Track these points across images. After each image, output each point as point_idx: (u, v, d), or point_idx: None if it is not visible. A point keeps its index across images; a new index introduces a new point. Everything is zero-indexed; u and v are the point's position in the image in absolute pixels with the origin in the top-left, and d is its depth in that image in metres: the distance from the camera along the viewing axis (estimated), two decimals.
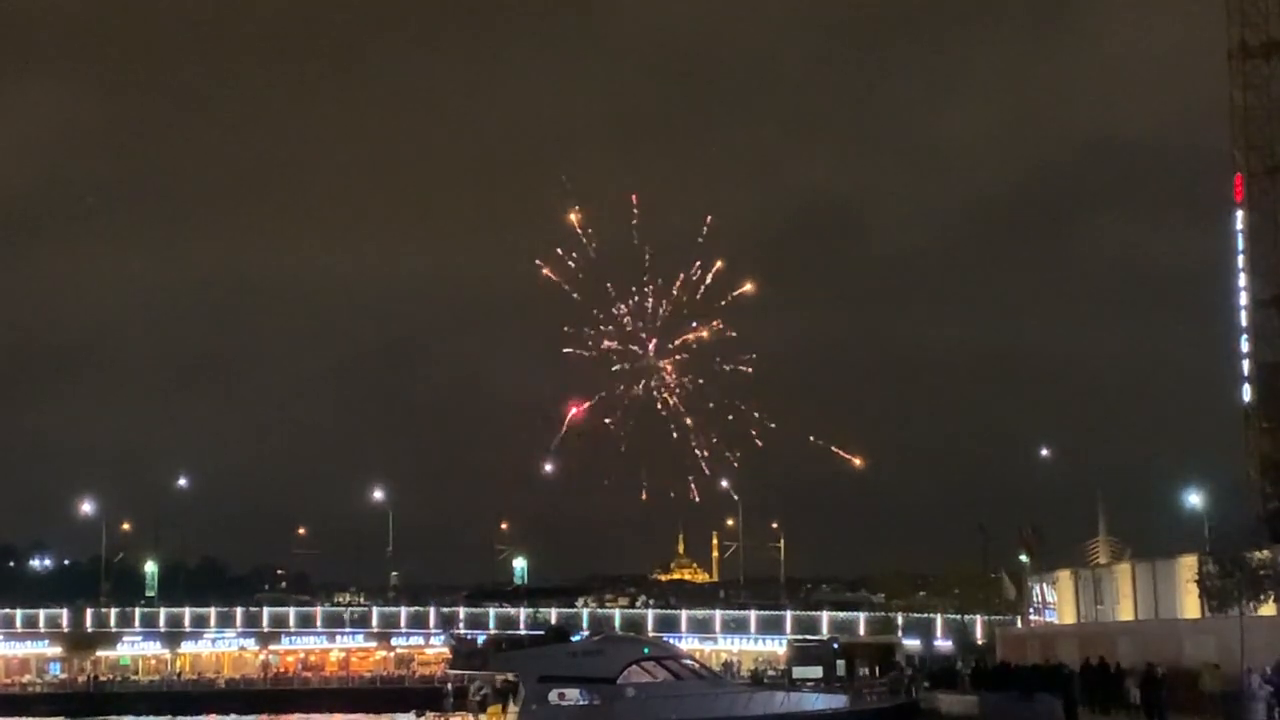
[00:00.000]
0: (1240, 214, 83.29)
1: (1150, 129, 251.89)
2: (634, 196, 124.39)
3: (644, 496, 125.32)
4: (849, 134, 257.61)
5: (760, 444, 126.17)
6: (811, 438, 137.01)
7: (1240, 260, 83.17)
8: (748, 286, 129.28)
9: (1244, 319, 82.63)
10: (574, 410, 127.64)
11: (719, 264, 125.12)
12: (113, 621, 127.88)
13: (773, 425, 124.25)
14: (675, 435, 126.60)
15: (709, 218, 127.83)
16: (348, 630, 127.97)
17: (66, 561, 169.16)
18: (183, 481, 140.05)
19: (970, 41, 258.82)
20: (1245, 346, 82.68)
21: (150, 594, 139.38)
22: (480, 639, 71.28)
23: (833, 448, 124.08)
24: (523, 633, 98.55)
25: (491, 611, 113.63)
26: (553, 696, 54.70)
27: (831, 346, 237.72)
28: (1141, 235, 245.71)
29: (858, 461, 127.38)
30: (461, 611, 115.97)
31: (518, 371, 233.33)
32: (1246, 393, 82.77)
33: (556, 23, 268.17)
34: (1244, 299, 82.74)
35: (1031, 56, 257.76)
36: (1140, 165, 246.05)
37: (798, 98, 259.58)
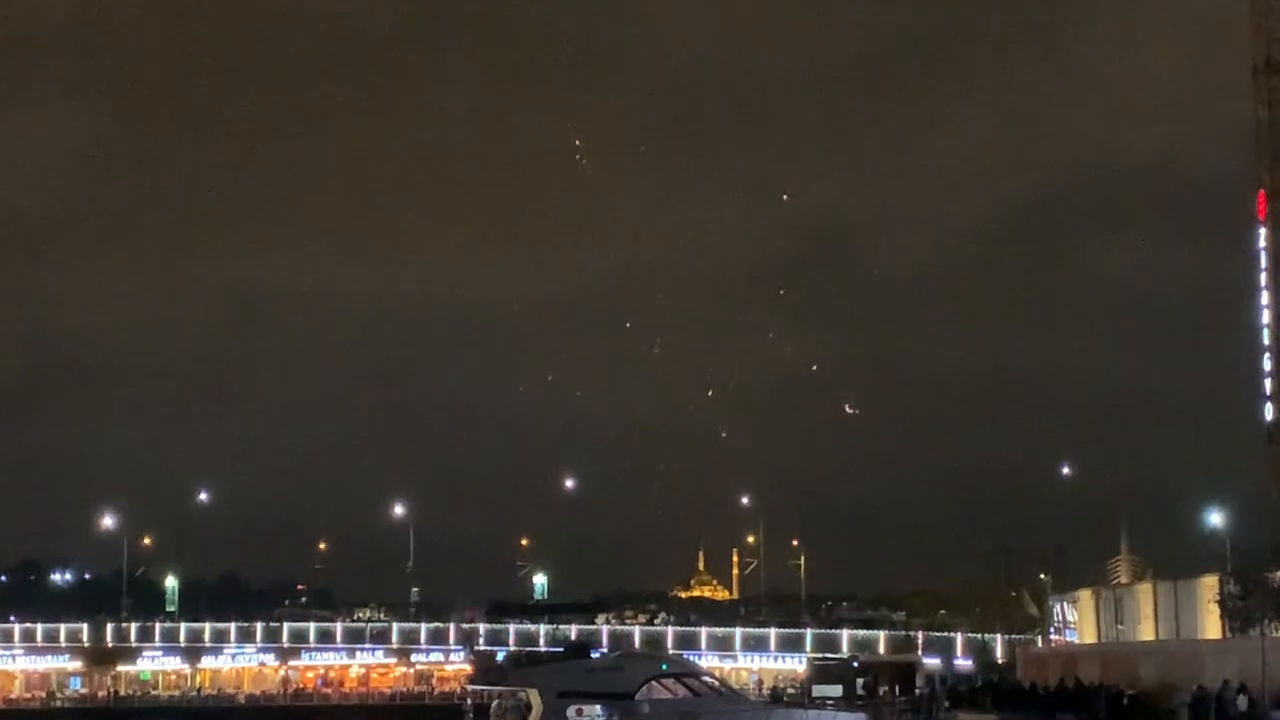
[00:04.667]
0: (1263, 231, 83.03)
1: (1156, 149, 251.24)
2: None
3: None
4: (854, 155, 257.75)
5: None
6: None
7: (1263, 278, 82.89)
8: None
9: (1266, 337, 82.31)
10: None
11: None
12: (133, 636, 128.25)
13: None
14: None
15: None
16: (368, 646, 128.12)
17: (87, 576, 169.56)
18: (203, 496, 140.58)
19: (976, 63, 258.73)
20: (1267, 365, 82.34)
21: (171, 609, 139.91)
22: (500, 655, 71.18)
23: None
24: (543, 649, 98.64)
25: (511, 627, 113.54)
26: (571, 712, 54.49)
27: (842, 366, 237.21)
28: (1151, 255, 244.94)
29: None
30: (481, 627, 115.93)
31: (539, 385, 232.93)
32: (1269, 411, 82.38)
33: (569, 44, 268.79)
34: (1266, 317, 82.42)
35: (1037, 78, 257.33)
36: (1148, 185, 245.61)
37: (803, 118, 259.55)
